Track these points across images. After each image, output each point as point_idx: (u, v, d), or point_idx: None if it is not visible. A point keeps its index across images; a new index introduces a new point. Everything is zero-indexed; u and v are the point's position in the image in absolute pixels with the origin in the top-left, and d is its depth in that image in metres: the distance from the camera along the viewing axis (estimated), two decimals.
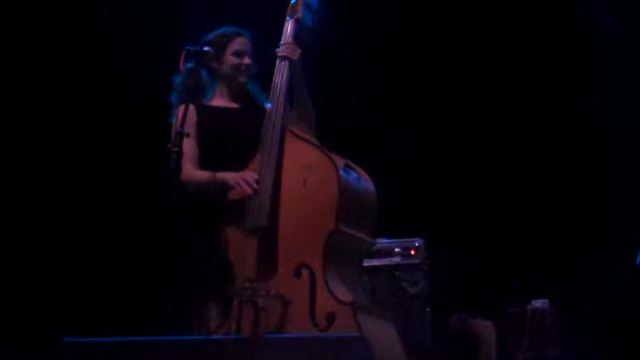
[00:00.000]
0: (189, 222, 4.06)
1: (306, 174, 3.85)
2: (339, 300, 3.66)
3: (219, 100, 4.26)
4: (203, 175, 4.06)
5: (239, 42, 4.25)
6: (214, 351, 3.12)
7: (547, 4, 6.82)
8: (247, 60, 4.23)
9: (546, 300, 6.04)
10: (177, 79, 4.21)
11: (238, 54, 4.23)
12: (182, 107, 3.93)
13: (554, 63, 6.85)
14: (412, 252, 5.98)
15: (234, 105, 4.24)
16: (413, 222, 6.39)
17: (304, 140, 3.94)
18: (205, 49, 4.09)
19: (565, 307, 6.05)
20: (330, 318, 3.63)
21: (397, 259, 5.97)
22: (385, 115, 6.93)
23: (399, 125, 6.92)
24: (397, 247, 6.01)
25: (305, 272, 3.75)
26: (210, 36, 4.27)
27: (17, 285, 6.61)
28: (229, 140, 4.11)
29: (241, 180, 3.93)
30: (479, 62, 6.89)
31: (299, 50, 4.10)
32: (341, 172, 3.82)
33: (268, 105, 4.11)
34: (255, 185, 3.90)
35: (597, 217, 6.61)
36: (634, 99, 6.49)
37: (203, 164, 4.11)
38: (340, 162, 3.88)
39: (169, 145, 3.84)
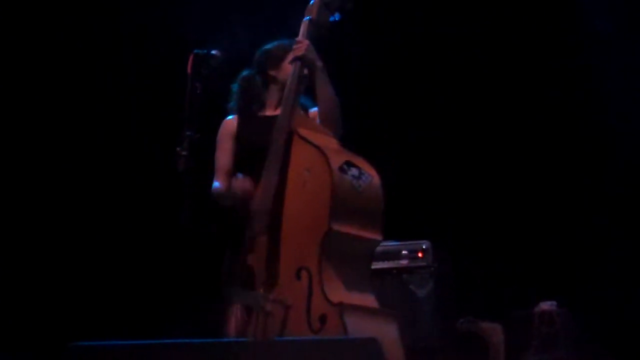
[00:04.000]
0: (206, 227, 4.12)
1: (306, 175, 3.85)
2: (329, 302, 3.65)
3: (270, 109, 4.28)
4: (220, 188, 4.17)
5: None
6: (222, 354, 3.11)
7: (542, 7, 6.82)
8: (304, 70, 4.18)
9: (554, 302, 6.01)
10: (234, 87, 4.32)
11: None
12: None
13: (553, 66, 6.86)
14: (420, 255, 5.95)
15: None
16: (420, 224, 6.40)
17: (308, 141, 3.90)
18: (213, 52, 4.09)
19: (573, 309, 6.03)
20: (323, 319, 3.64)
21: (404, 262, 5.95)
22: (391, 115, 6.94)
23: (405, 126, 6.93)
24: (404, 249, 5.98)
25: (304, 274, 3.74)
26: (269, 46, 4.33)
27: (27, 289, 6.70)
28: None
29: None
30: (481, 64, 6.90)
31: (306, 47, 4.07)
32: (335, 170, 3.77)
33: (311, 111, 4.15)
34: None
35: (605, 218, 6.58)
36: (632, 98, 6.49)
37: (248, 170, 4.13)
38: (339, 159, 3.83)
39: (178, 148, 3.90)
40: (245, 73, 4.34)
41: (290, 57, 4.17)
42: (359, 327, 3.62)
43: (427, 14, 6.89)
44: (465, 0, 6.81)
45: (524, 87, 6.89)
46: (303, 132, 3.94)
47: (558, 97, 6.83)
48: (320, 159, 3.81)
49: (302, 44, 4.08)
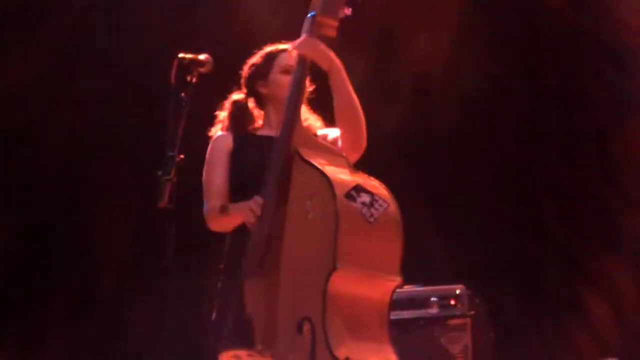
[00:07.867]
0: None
1: (309, 205, 3.56)
2: (334, 358, 3.39)
3: (266, 129, 4.04)
4: (218, 212, 3.91)
5: (285, 58, 4.00)
6: None
7: None
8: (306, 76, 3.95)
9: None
10: (222, 113, 4.11)
11: (286, 70, 3.97)
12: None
13: None
14: (452, 302, 5.68)
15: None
16: (453, 265, 6.16)
17: (309, 164, 3.60)
18: (201, 57, 3.79)
19: None
20: None
21: (434, 311, 5.67)
22: (416, 150, 6.80)
23: (437, 161, 6.78)
24: (433, 295, 5.71)
25: (307, 326, 3.48)
26: (255, 59, 4.09)
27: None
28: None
29: (247, 209, 3.73)
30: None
31: (303, 43, 3.77)
32: (341, 197, 3.48)
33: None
34: (259, 213, 3.72)
35: None
36: None
37: (241, 195, 3.87)
38: (347, 184, 3.55)
39: (159, 173, 3.61)
40: (234, 96, 4.09)
41: (278, 65, 3.96)
42: None
43: None
44: None
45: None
46: (305, 152, 3.66)
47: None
48: (323, 184, 3.52)
49: (301, 41, 3.80)
